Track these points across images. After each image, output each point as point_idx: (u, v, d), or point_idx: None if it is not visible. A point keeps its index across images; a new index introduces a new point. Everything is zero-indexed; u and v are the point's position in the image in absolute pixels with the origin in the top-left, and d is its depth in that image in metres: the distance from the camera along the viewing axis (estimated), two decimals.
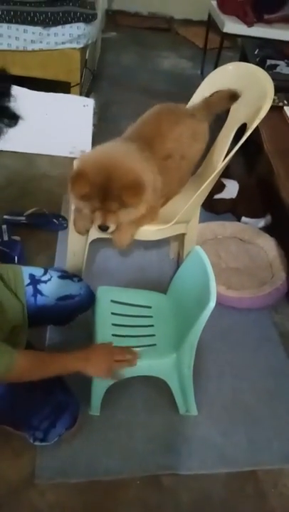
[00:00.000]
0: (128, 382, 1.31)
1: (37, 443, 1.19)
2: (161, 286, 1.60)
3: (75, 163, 1.32)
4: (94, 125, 2.47)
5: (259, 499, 1.25)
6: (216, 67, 3.48)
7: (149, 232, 1.34)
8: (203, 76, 3.79)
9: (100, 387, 1.30)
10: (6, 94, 0.86)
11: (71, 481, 1.22)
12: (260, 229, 2.11)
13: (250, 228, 2.08)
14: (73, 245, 1.40)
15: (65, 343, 1.52)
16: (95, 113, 2.45)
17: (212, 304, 1.12)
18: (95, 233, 1.34)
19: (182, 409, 1.39)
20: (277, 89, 1.33)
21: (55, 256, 1.88)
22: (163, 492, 1.23)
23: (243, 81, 1.35)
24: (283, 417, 1.44)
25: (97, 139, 2.44)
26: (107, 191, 1.18)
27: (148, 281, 1.79)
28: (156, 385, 1.35)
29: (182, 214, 1.31)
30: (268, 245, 2.00)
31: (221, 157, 1.34)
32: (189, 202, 1.29)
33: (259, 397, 1.49)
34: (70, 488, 1.21)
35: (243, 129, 1.30)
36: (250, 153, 2.13)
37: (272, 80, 1.31)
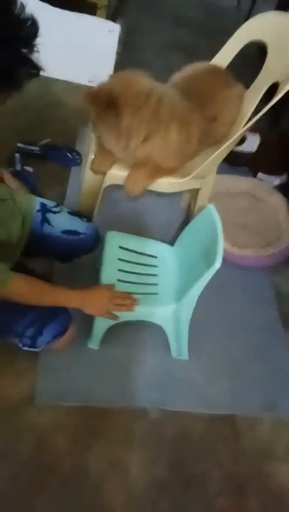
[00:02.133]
0: (129, 322, 1.39)
1: (26, 348, 1.18)
2: (169, 235, 1.64)
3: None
4: (117, 53, 2.34)
5: (233, 440, 1.39)
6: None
7: (163, 183, 1.34)
8: (239, 8, 3.51)
9: (102, 325, 1.38)
10: (31, 44, 0.82)
11: (67, 404, 1.34)
12: (275, 187, 2.10)
13: (265, 186, 2.06)
14: (87, 187, 1.40)
15: (70, 280, 1.57)
16: (120, 40, 2.31)
17: (217, 265, 1.16)
18: (111, 178, 1.34)
19: (174, 352, 1.49)
20: None
21: (66, 192, 1.89)
22: (149, 423, 1.37)
23: (283, 34, 1.26)
24: (265, 372, 1.55)
25: (119, 68, 2.33)
26: (110, 99, 1.17)
27: (156, 228, 1.82)
28: (153, 328, 1.44)
29: (200, 170, 1.30)
30: (280, 205, 2.00)
31: (246, 117, 1.30)
32: (209, 159, 1.28)
33: (246, 351, 1.59)
34: (65, 410, 1.33)
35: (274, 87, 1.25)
36: (277, 106, 2.05)
37: None
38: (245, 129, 1.25)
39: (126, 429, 1.34)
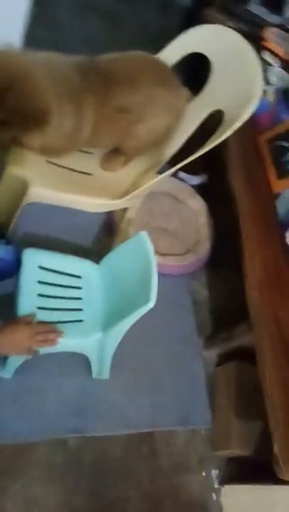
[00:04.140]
0: None
1: None
2: (88, 241, 1.52)
3: None
4: (31, 17, 2.01)
5: (152, 458, 1.42)
6: None
7: (91, 204, 1.22)
8: None
9: (17, 359, 1.25)
10: None
11: None
12: (195, 188, 2.08)
13: (187, 188, 2.03)
14: (2, 202, 1.20)
15: None
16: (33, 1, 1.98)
17: (151, 304, 1.11)
18: (35, 196, 1.17)
19: (95, 373, 1.44)
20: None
21: None
22: (68, 453, 1.32)
23: (222, 51, 1.17)
24: (182, 383, 1.60)
25: (32, 36, 2.02)
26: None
27: (74, 233, 1.69)
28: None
29: (136, 193, 1.21)
30: (200, 209, 1.99)
31: (180, 140, 1.21)
32: (146, 185, 1.18)
33: (166, 363, 1.61)
34: None
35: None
36: None
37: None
38: (177, 168, 1.16)
39: (44, 464, 1.28)
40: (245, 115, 1.02)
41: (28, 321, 1.14)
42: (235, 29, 2.07)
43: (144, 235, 1.23)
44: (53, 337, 1.15)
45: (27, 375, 1.35)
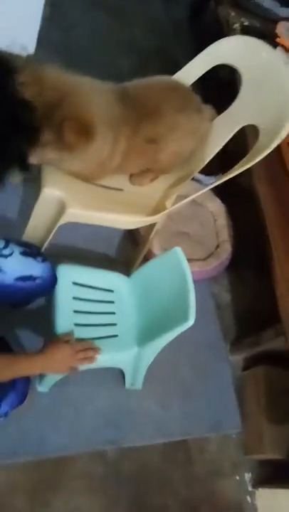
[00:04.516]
0: None
1: None
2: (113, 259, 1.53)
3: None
4: (44, 18, 1.98)
5: (187, 465, 1.45)
6: None
7: (122, 221, 1.21)
8: None
9: (56, 376, 1.27)
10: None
11: (21, 461, 1.24)
12: (212, 188, 2.07)
13: (207, 192, 2.02)
14: (39, 221, 1.20)
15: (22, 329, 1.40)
16: (47, 2, 1.94)
17: (191, 322, 1.12)
18: (71, 217, 1.16)
19: (128, 384, 1.46)
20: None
21: None
22: (107, 464, 1.34)
23: (255, 64, 1.15)
24: (211, 389, 1.62)
25: (45, 37, 1.99)
26: (50, 113, 0.99)
27: (99, 250, 1.69)
28: None
29: (170, 210, 1.21)
30: (218, 211, 1.99)
31: (203, 161, 1.22)
32: (175, 206, 1.18)
33: (194, 370, 1.62)
34: (20, 468, 1.24)
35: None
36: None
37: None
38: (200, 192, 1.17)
39: (84, 476, 1.30)
40: (284, 132, 1.01)
41: (68, 339, 1.15)
42: (247, 26, 2.06)
43: (178, 250, 1.23)
44: (92, 354, 1.16)
45: (62, 387, 1.36)
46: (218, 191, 2.05)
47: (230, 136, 1.17)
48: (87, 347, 1.16)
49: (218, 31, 1.99)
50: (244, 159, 1.12)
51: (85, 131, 1.02)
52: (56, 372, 1.14)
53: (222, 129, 1.20)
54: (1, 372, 0.98)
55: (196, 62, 1.24)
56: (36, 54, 2.00)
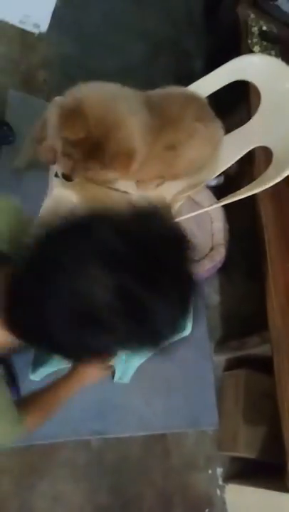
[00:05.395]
0: None
1: None
2: None
3: (72, 93, 1.09)
4: None
5: (165, 457, 1.53)
6: None
7: None
8: None
9: (51, 366, 1.31)
10: None
11: (10, 446, 1.29)
12: (211, 189, 2.10)
13: (205, 191, 2.04)
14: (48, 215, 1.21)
15: None
16: None
17: (187, 333, 1.17)
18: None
19: (117, 377, 1.51)
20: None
21: None
22: (91, 453, 1.41)
23: (276, 91, 1.17)
24: (193, 386, 1.69)
25: (59, 15, 1.93)
26: (97, 148, 1.05)
27: None
28: None
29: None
30: (216, 214, 2.02)
31: (214, 173, 1.25)
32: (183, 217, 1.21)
33: (178, 367, 1.69)
34: (7, 453, 1.29)
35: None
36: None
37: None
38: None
39: (69, 463, 1.37)
40: None
41: None
42: (265, 32, 2.03)
43: None
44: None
45: (53, 378, 1.40)
46: (218, 193, 2.08)
47: (242, 154, 1.20)
48: None
49: (235, 31, 1.97)
50: (253, 183, 1.15)
51: (131, 161, 1.08)
52: (95, 381, 1.15)
53: (233, 148, 1.22)
54: (49, 410, 1.02)
55: (216, 74, 1.24)
56: (48, 33, 1.95)
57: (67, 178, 1.13)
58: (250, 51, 1.84)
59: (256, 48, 1.82)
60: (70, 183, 1.12)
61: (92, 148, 1.02)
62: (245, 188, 1.18)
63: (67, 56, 1.97)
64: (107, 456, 1.43)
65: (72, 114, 1.03)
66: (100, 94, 1.09)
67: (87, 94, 1.07)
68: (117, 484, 1.41)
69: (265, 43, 1.84)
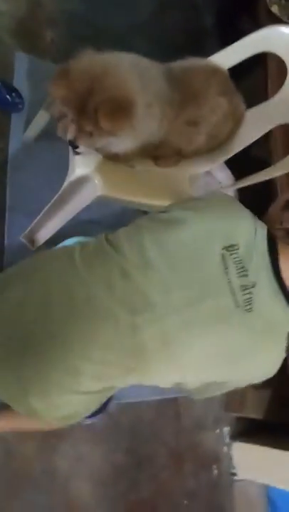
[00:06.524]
0: None
1: None
2: None
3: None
4: None
5: (176, 419, 1.62)
6: None
7: (152, 205, 1.23)
8: None
9: None
10: None
11: None
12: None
13: (225, 171, 2.01)
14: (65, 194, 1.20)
15: None
16: None
17: None
18: (99, 197, 1.17)
19: None
20: None
21: (7, 149, 1.56)
22: (107, 417, 1.49)
23: None
24: None
25: None
26: (84, 104, 0.94)
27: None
28: None
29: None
30: (226, 182, 2.01)
31: (232, 151, 1.21)
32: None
33: None
34: None
35: None
36: None
37: None
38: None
39: (88, 426, 1.45)
40: None
41: None
42: None
43: None
44: None
45: None
46: (230, 163, 2.05)
47: (264, 132, 1.18)
48: None
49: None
50: (274, 166, 1.13)
51: (122, 111, 0.94)
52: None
53: (256, 124, 1.19)
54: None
55: (239, 45, 1.19)
56: None
57: (73, 146, 1.04)
58: (268, 11, 1.74)
59: (274, 8, 1.72)
60: (91, 162, 1.10)
61: (79, 105, 0.94)
62: (265, 170, 1.17)
63: (74, 13, 1.86)
64: (122, 420, 1.52)
65: (57, 73, 0.95)
66: (101, 57, 0.99)
67: (85, 57, 0.98)
68: (132, 445, 1.51)
69: (284, 2, 1.74)
